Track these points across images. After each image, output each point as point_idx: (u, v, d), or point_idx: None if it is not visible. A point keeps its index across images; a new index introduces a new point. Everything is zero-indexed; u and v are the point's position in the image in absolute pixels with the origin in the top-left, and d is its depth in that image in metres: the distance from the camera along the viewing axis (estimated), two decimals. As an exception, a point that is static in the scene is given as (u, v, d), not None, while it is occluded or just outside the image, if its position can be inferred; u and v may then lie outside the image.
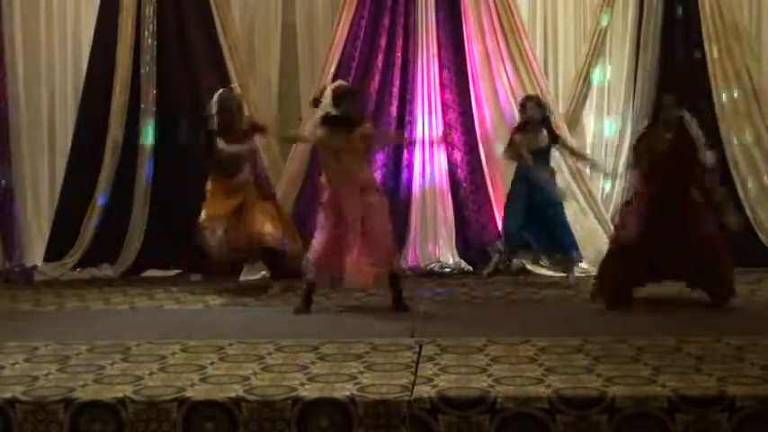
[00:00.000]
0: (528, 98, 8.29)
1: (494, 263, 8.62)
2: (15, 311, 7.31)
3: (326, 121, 6.76)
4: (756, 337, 5.71)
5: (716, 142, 8.90)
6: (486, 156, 8.87)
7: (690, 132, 6.96)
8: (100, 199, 8.83)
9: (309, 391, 4.62)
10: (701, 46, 8.95)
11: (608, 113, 9.13)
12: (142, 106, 8.88)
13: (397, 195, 8.88)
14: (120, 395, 4.61)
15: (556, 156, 8.57)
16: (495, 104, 8.90)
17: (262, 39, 9.26)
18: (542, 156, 8.13)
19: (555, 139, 8.19)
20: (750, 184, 8.89)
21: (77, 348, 5.60)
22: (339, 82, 7.21)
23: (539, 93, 8.57)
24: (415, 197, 8.96)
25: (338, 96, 6.75)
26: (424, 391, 4.61)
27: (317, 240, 6.86)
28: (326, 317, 6.83)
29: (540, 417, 4.46)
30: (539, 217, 8.07)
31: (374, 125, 8.70)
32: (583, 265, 8.47)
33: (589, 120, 9.18)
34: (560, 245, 8.12)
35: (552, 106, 8.60)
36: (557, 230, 8.08)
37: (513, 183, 8.29)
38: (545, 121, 8.16)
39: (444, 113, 8.95)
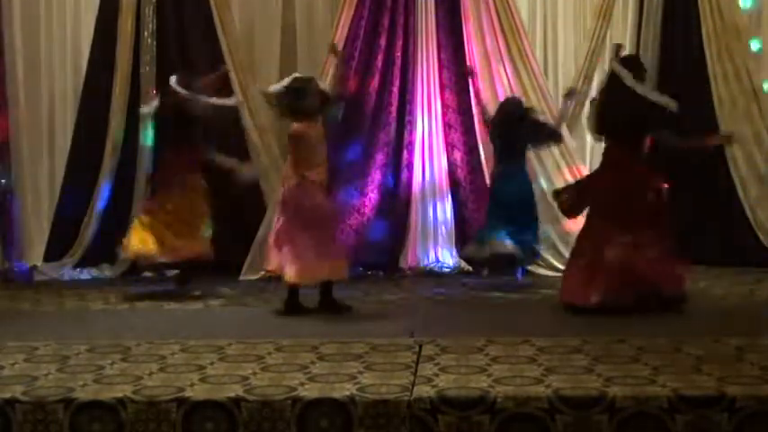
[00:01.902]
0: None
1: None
2: (15, 311, 7.30)
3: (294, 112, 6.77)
4: (756, 337, 5.71)
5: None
6: (485, 156, 8.86)
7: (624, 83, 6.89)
8: (100, 199, 8.83)
9: (309, 391, 4.63)
10: (700, 46, 8.96)
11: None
12: (142, 106, 8.89)
13: (397, 195, 8.89)
14: (120, 395, 4.61)
15: (555, 153, 8.61)
16: (495, 104, 8.88)
17: (262, 39, 9.26)
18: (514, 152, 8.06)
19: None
20: (750, 184, 8.89)
21: (77, 348, 5.60)
22: (294, 75, 7.13)
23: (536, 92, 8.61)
24: (415, 197, 8.96)
25: (299, 90, 6.77)
26: (423, 391, 4.61)
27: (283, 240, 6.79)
28: (326, 317, 6.82)
29: (539, 417, 4.46)
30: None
31: (370, 124, 8.78)
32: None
33: (589, 120, 9.18)
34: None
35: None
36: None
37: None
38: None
39: (444, 113, 8.95)
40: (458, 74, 8.93)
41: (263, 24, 9.27)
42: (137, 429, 4.52)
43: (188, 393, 4.63)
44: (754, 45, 8.95)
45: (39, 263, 8.94)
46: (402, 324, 6.36)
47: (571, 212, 7.39)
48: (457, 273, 8.78)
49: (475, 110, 8.77)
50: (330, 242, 6.90)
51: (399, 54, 8.90)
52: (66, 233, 8.89)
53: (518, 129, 7.96)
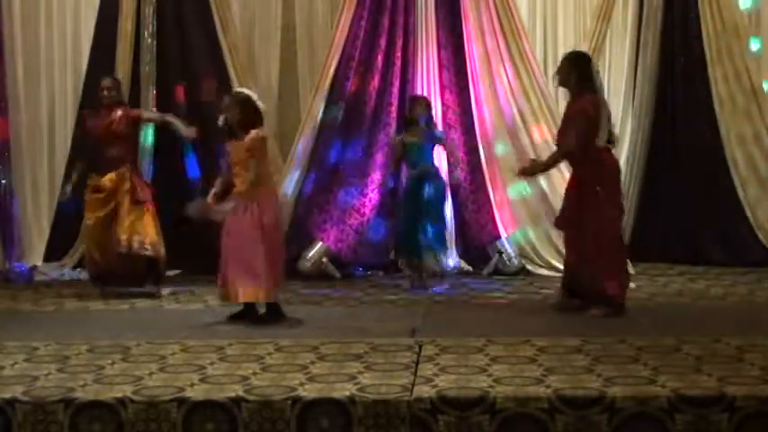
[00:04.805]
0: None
1: (494, 263, 8.63)
2: (15, 311, 7.30)
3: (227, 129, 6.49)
4: (756, 337, 5.71)
5: (716, 142, 8.93)
6: (486, 156, 8.86)
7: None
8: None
9: (309, 391, 4.63)
10: (700, 46, 8.96)
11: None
12: (142, 106, 8.88)
13: (397, 195, 8.88)
14: (120, 395, 4.61)
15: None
16: (495, 104, 8.88)
17: (262, 39, 9.27)
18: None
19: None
20: (750, 184, 8.89)
21: (77, 348, 5.60)
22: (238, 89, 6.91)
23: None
24: (415, 197, 8.95)
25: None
26: (423, 391, 4.61)
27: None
28: (326, 317, 6.82)
29: (539, 417, 4.46)
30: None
31: (370, 124, 8.77)
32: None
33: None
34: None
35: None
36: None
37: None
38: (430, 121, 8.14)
39: (444, 113, 8.94)
40: (458, 74, 8.93)
41: (262, 24, 9.27)
42: (137, 429, 4.52)
43: (188, 393, 4.63)
44: (754, 45, 8.95)
45: (39, 263, 8.96)
46: (402, 324, 6.36)
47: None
48: (457, 273, 8.77)
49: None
50: (237, 263, 6.37)
51: (399, 54, 8.90)
52: (67, 233, 8.90)
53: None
